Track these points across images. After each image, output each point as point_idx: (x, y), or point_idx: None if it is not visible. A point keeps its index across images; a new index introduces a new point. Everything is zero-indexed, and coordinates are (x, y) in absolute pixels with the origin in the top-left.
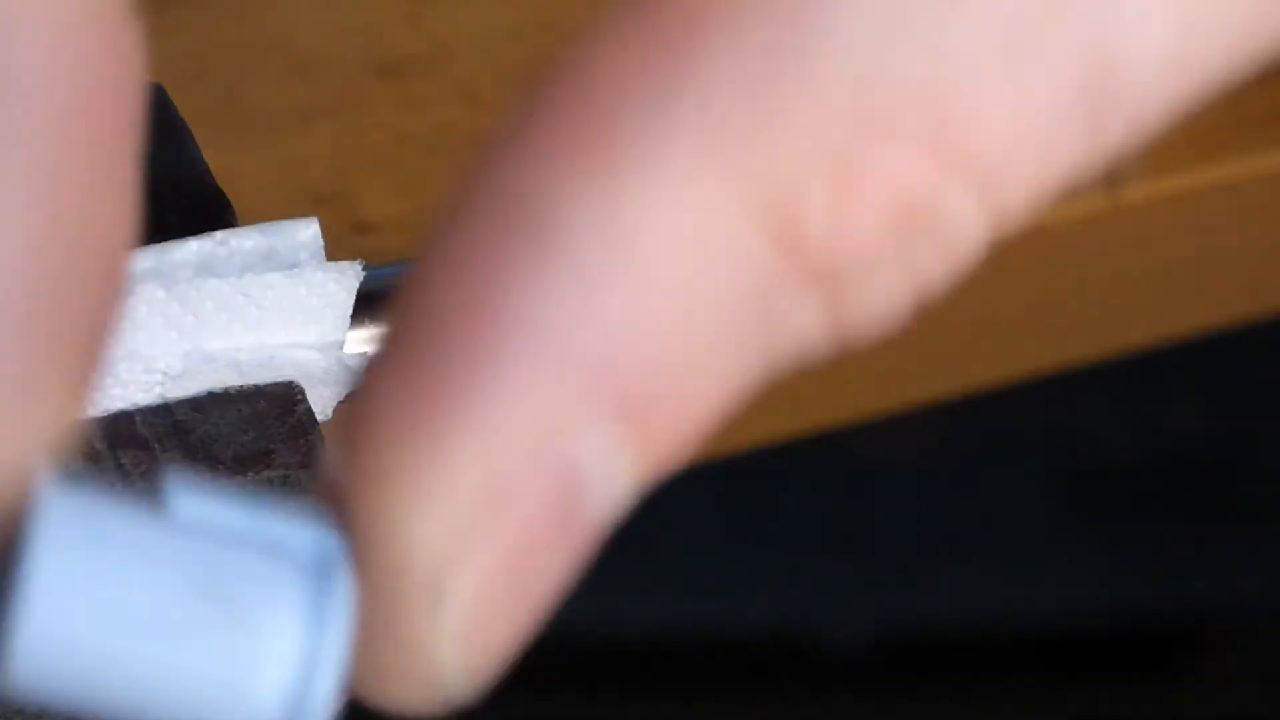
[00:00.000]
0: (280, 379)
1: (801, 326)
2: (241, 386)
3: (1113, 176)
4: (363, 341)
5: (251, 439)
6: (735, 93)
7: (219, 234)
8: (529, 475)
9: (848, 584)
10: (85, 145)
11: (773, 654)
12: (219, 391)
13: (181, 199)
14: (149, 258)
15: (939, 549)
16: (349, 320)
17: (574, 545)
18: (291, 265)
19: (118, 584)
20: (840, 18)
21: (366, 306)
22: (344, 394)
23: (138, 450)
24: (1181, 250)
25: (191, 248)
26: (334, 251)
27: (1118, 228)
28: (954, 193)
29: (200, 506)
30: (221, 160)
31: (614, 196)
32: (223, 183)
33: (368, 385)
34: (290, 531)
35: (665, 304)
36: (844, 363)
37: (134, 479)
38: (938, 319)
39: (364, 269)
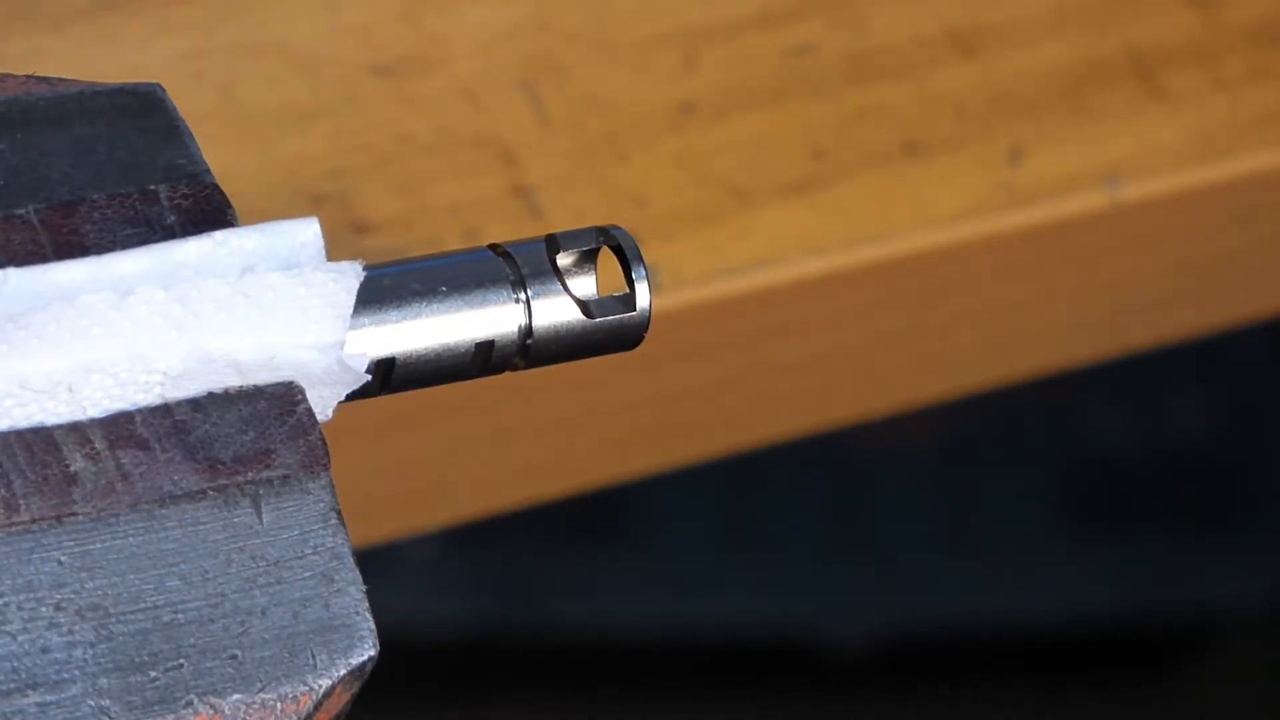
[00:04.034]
0: (280, 379)
1: None
2: (241, 386)
3: (1113, 177)
4: (362, 341)
5: (252, 439)
6: None
7: (219, 234)
8: None
9: (848, 584)
10: None
11: (773, 654)
12: (219, 391)
13: (181, 199)
14: (149, 258)
15: (939, 549)
16: (349, 320)
17: None
18: (291, 265)
19: None
20: None
21: (365, 305)
22: (344, 393)
23: (138, 450)
24: (1181, 250)
25: (191, 248)
26: (334, 251)
27: (1118, 228)
28: None
29: None
30: (221, 160)
31: None
32: (223, 182)
33: None
34: None
35: None
36: (843, 363)
37: (134, 479)
38: (938, 319)
39: (364, 268)
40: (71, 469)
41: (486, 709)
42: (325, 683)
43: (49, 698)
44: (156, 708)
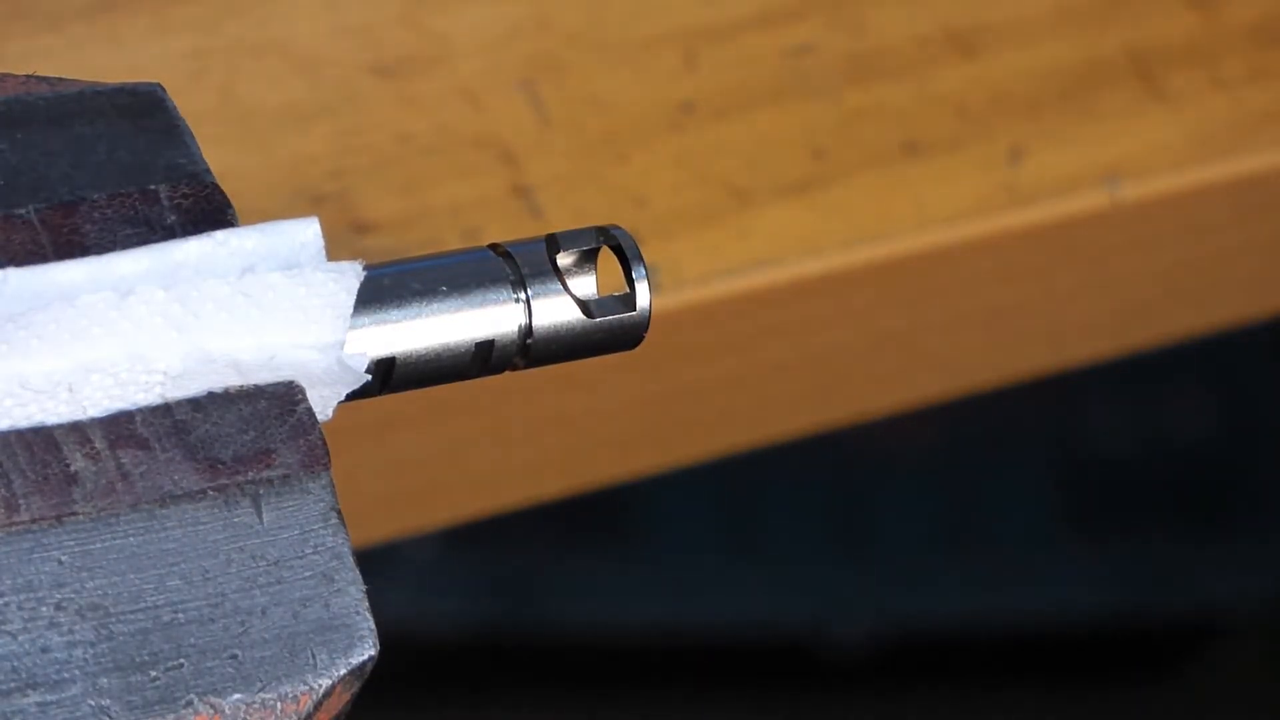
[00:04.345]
0: (280, 379)
1: None
2: (242, 386)
3: (1113, 177)
4: (362, 341)
5: (252, 438)
6: None
7: (219, 234)
8: None
9: (848, 584)
10: None
11: (773, 654)
12: (219, 391)
13: (182, 198)
14: (149, 258)
15: (939, 549)
16: (349, 320)
17: None
18: (292, 265)
19: None
20: None
21: (365, 305)
22: (344, 393)
23: (138, 450)
24: (1181, 250)
25: (192, 248)
26: (334, 251)
27: (1118, 228)
28: None
29: None
30: (222, 160)
31: None
32: (223, 182)
33: None
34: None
35: None
36: (843, 363)
37: (134, 479)
38: (938, 319)
39: (364, 268)
40: (72, 469)
41: (486, 709)
42: (325, 682)
43: (49, 697)
44: (157, 707)
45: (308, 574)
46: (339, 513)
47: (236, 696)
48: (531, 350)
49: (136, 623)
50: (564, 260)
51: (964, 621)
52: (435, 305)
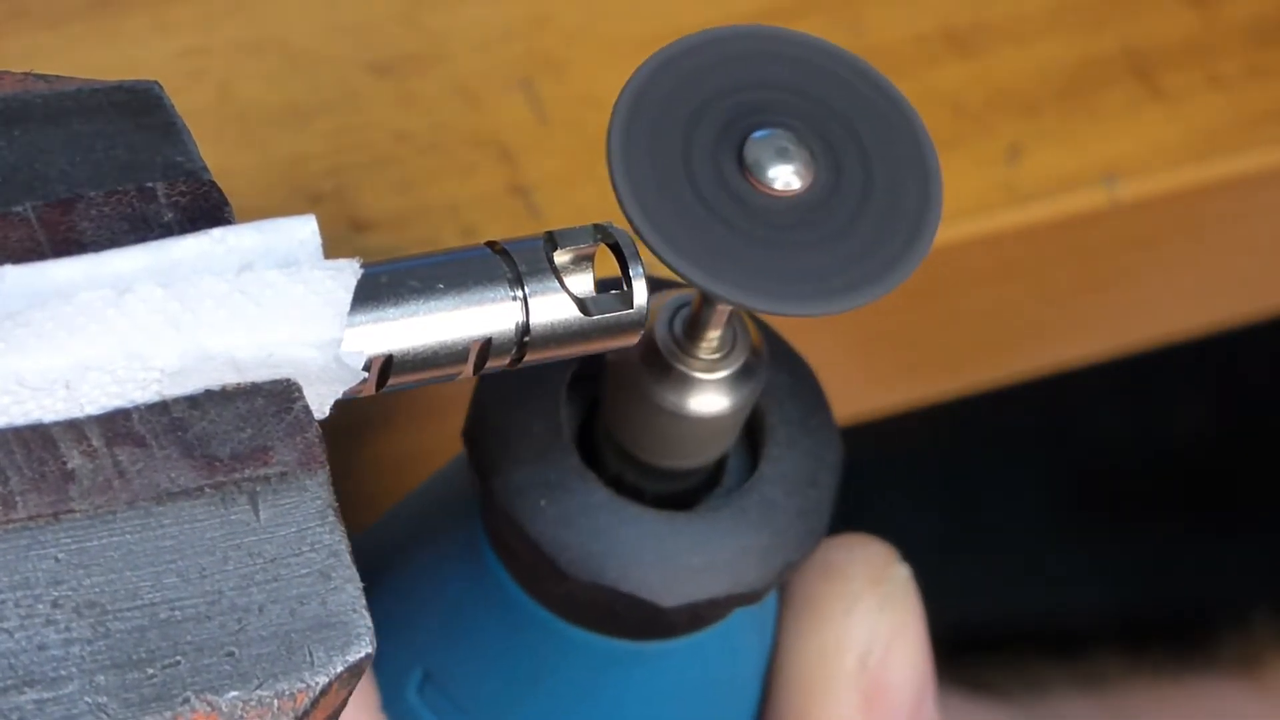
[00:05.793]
0: (278, 376)
1: None
2: (239, 384)
3: (1112, 176)
4: (359, 338)
5: (249, 436)
6: None
7: (216, 231)
8: None
9: None
10: None
11: None
12: (216, 389)
13: (179, 196)
14: (147, 255)
15: (939, 549)
16: (346, 317)
17: None
18: (289, 263)
19: None
20: None
21: (363, 303)
22: (341, 391)
23: (135, 447)
24: (1181, 249)
25: (189, 245)
26: (332, 249)
27: (1118, 227)
28: None
29: None
30: (219, 158)
31: None
32: (220, 181)
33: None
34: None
35: None
36: (841, 362)
37: (131, 476)
38: (937, 318)
39: (361, 266)
40: (69, 466)
41: None
42: (322, 680)
43: (46, 695)
44: (153, 705)
45: (304, 571)
46: (336, 510)
47: (233, 694)
48: (529, 348)
49: (133, 620)
50: (561, 258)
51: (963, 621)
52: (433, 303)
